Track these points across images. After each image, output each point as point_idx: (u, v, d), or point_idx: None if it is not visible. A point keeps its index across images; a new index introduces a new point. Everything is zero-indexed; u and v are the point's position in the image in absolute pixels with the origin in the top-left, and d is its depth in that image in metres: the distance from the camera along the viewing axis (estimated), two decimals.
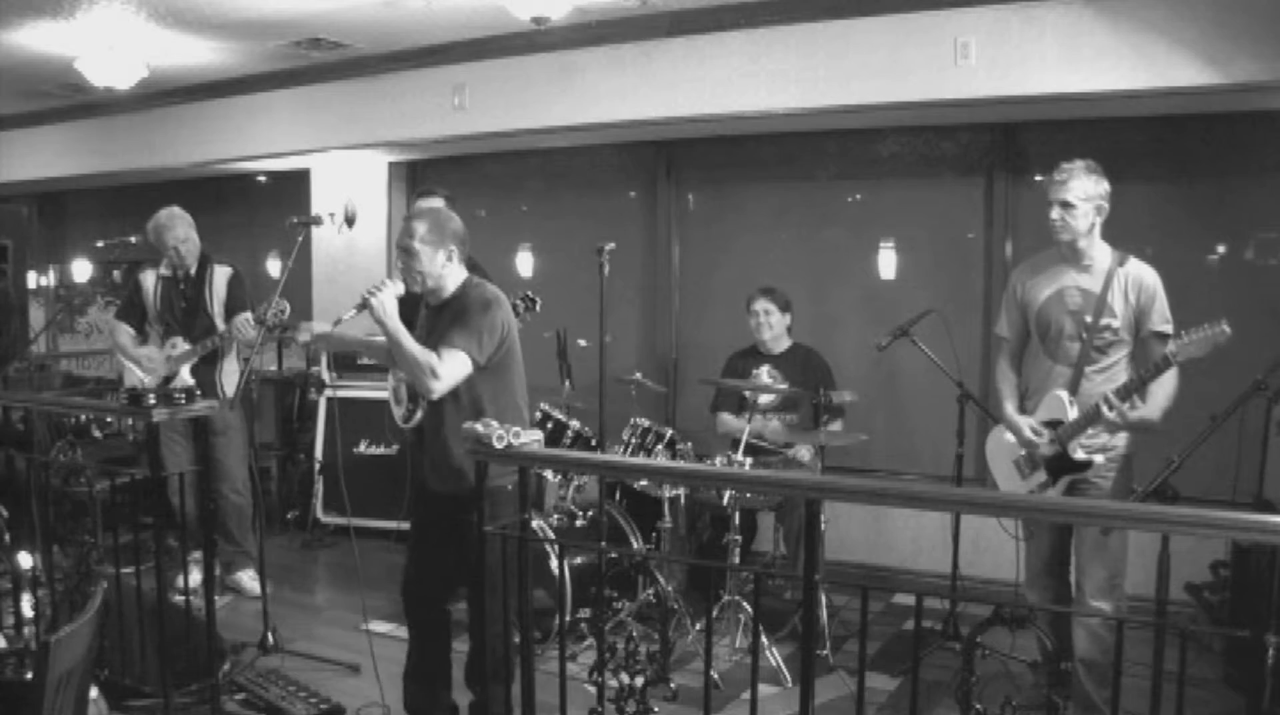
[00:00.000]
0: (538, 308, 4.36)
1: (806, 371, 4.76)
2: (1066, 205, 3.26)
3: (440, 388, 3.02)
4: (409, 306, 3.40)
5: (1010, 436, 3.52)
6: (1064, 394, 3.33)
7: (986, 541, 4.74)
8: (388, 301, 3.06)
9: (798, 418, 4.78)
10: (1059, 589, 3.58)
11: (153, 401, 3.35)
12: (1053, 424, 3.36)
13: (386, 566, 5.43)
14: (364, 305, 3.07)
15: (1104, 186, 3.28)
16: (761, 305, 4.84)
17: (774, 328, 4.83)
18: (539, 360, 5.09)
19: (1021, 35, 4.36)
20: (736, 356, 5.00)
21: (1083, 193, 3.24)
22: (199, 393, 3.59)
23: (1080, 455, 3.31)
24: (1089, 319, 3.32)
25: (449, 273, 3.18)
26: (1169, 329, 3.27)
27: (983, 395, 4.77)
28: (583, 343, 5.23)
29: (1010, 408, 3.51)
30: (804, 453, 4.66)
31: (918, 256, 5.54)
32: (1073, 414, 3.29)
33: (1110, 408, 3.15)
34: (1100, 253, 3.35)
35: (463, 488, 3.12)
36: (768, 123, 5.25)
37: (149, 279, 4.94)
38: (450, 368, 3.03)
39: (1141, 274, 3.32)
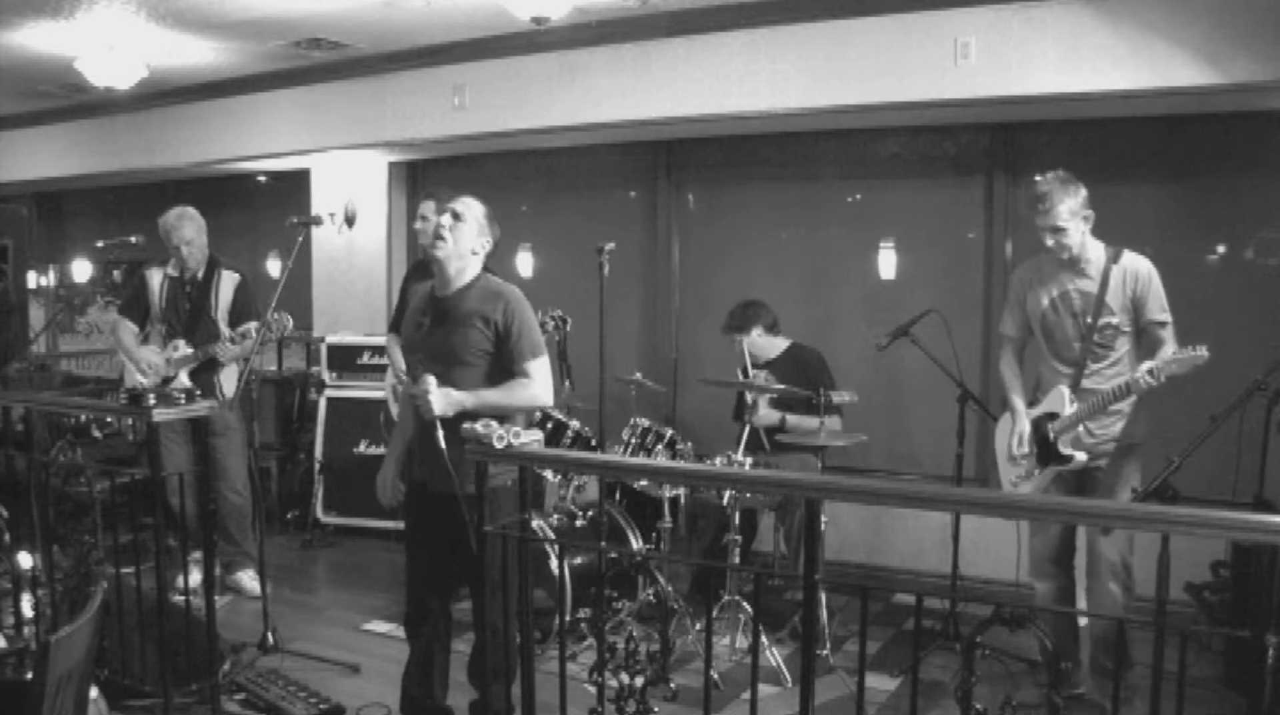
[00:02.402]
0: (568, 327, 4.36)
1: (800, 372, 4.70)
2: (1057, 230, 3.35)
3: (548, 396, 3.12)
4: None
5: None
6: (1065, 390, 3.45)
7: (986, 541, 4.74)
8: (438, 400, 2.93)
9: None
10: (1063, 580, 3.64)
11: (153, 401, 3.35)
12: (1051, 416, 3.49)
13: (386, 566, 5.44)
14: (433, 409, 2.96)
15: (1082, 193, 3.36)
16: (729, 338, 4.82)
17: (748, 349, 4.72)
18: None
19: (1021, 35, 4.36)
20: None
21: (1068, 212, 3.33)
22: (198, 393, 3.60)
23: (1065, 450, 3.42)
24: (1089, 320, 3.42)
25: (471, 263, 3.17)
26: (1167, 317, 3.38)
27: (983, 395, 4.77)
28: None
29: (1018, 400, 3.62)
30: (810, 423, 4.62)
31: (918, 256, 5.54)
32: (1070, 410, 3.42)
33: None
34: (1094, 253, 3.45)
35: (457, 487, 3.11)
36: (768, 123, 5.25)
37: (155, 277, 4.92)
38: (541, 377, 3.10)
39: (1136, 265, 3.41)
